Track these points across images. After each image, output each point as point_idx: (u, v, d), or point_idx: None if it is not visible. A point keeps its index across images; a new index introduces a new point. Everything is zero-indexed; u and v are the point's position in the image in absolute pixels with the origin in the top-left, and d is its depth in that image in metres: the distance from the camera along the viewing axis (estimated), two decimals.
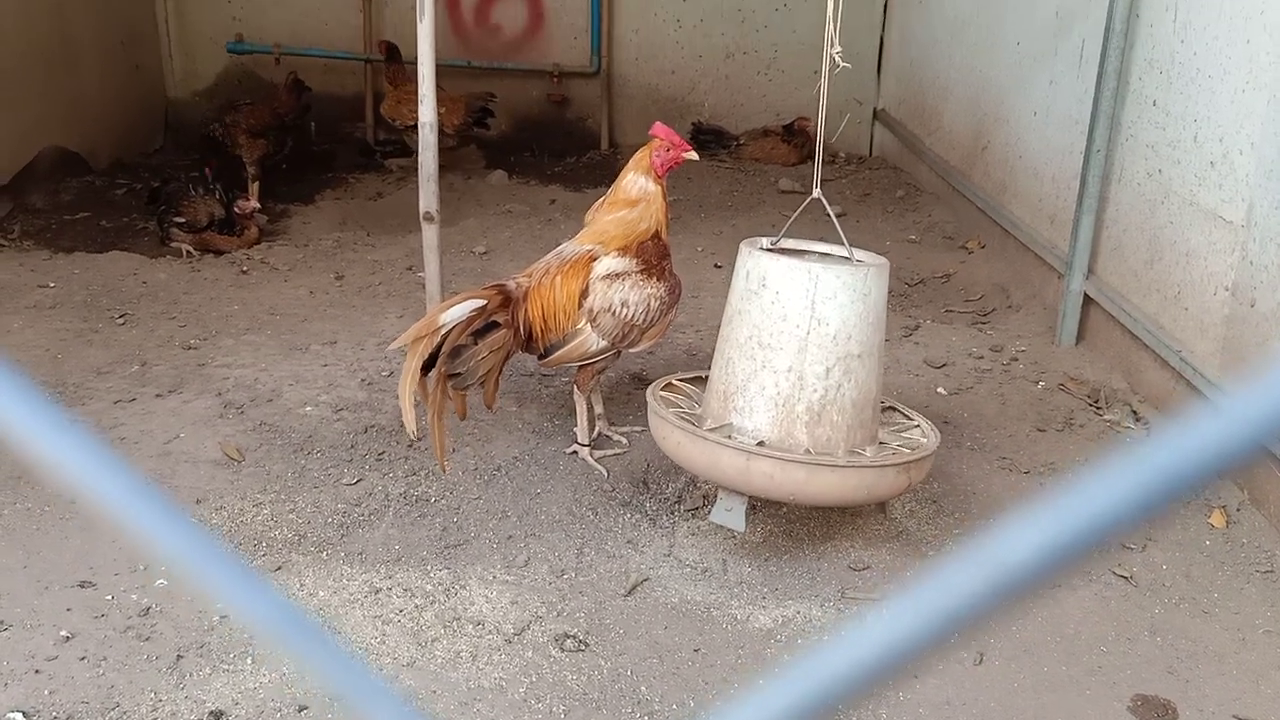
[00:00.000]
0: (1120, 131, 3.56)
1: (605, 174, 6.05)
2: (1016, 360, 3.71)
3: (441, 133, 5.57)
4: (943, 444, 2.99)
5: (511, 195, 5.61)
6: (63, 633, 2.26)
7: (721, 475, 2.55)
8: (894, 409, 2.86)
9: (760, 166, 6.04)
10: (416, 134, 5.65)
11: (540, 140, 6.50)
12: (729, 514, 2.58)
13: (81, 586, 2.41)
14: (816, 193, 2.72)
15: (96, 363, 3.52)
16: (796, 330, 2.52)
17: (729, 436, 2.56)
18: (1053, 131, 4.13)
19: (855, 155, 6.39)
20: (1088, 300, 3.72)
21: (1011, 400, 3.44)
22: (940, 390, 3.48)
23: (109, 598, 2.38)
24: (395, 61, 5.78)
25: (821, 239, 2.79)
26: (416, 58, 5.98)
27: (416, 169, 5.77)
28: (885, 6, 6.23)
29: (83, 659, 2.19)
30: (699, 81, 6.48)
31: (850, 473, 2.50)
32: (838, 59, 2.77)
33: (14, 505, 2.71)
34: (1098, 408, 3.38)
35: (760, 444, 2.53)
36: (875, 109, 6.38)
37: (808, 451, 2.52)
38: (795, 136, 6.10)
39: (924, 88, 5.63)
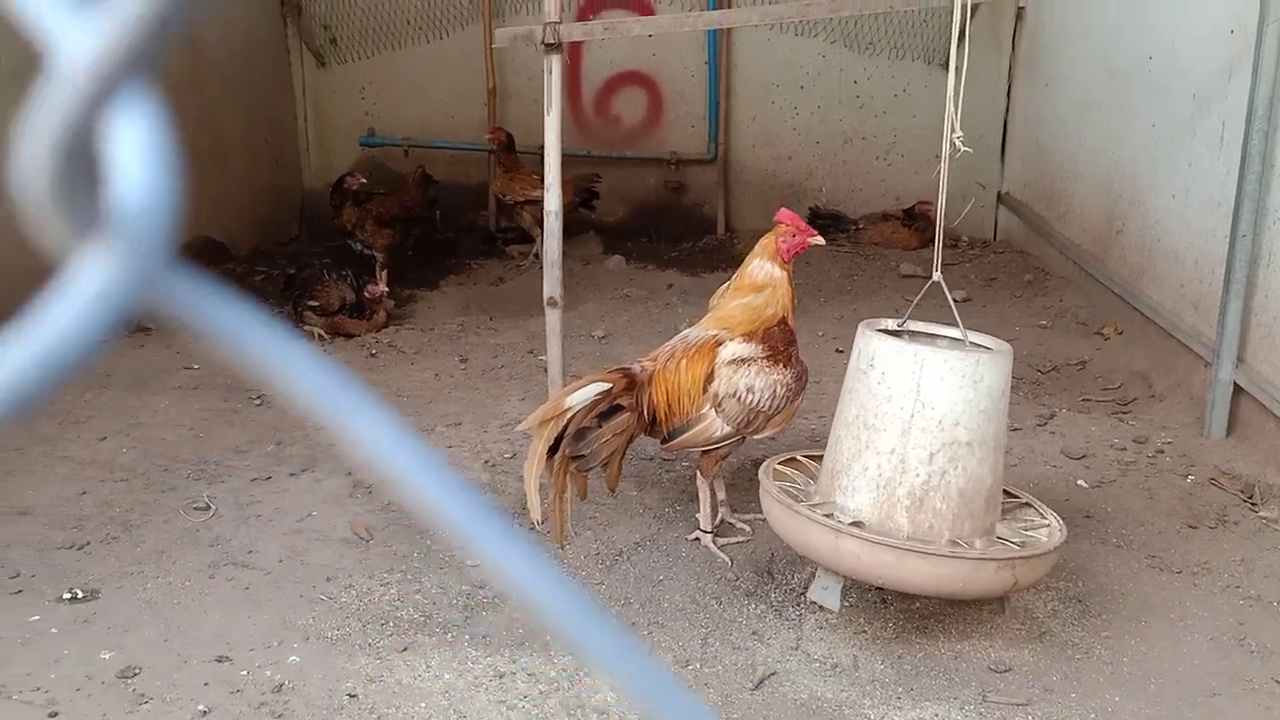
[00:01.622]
0: (1266, 215, 3.41)
1: (722, 259, 6.09)
2: (1162, 452, 3.53)
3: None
4: (1085, 540, 2.86)
5: (629, 280, 5.68)
6: (200, 707, 2.30)
7: (814, 551, 2.54)
8: (1029, 505, 2.74)
9: (880, 251, 5.99)
10: (525, 208, 5.91)
11: (657, 226, 6.59)
12: (824, 592, 2.57)
13: (219, 661, 2.46)
14: (937, 276, 2.67)
15: (235, 441, 3.65)
16: (900, 412, 2.48)
17: (830, 515, 2.53)
18: (1193, 214, 3.98)
19: (979, 239, 6.28)
20: (1238, 390, 3.53)
21: (1159, 495, 3.26)
22: (1081, 483, 3.33)
23: (244, 673, 2.42)
24: (510, 150, 5.98)
25: (948, 324, 2.73)
26: (535, 147, 6.20)
27: (536, 255, 5.97)
28: (1009, 90, 6.18)
29: None
30: (816, 167, 6.50)
31: (941, 562, 2.41)
32: (959, 143, 2.75)
33: (157, 579, 2.80)
34: (1253, 504, 3.17)
35: (857, 524, 2.49)
36: (999, 192, 6.29)
37: (907, 537, 2.46)
38: (916, 220, 6.04)
39: (1051, 170, 5.52)
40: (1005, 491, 2.77)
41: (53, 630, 2.59)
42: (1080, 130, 5.14)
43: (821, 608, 2.65)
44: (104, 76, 0.33)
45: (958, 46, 2.56)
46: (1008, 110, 6.20)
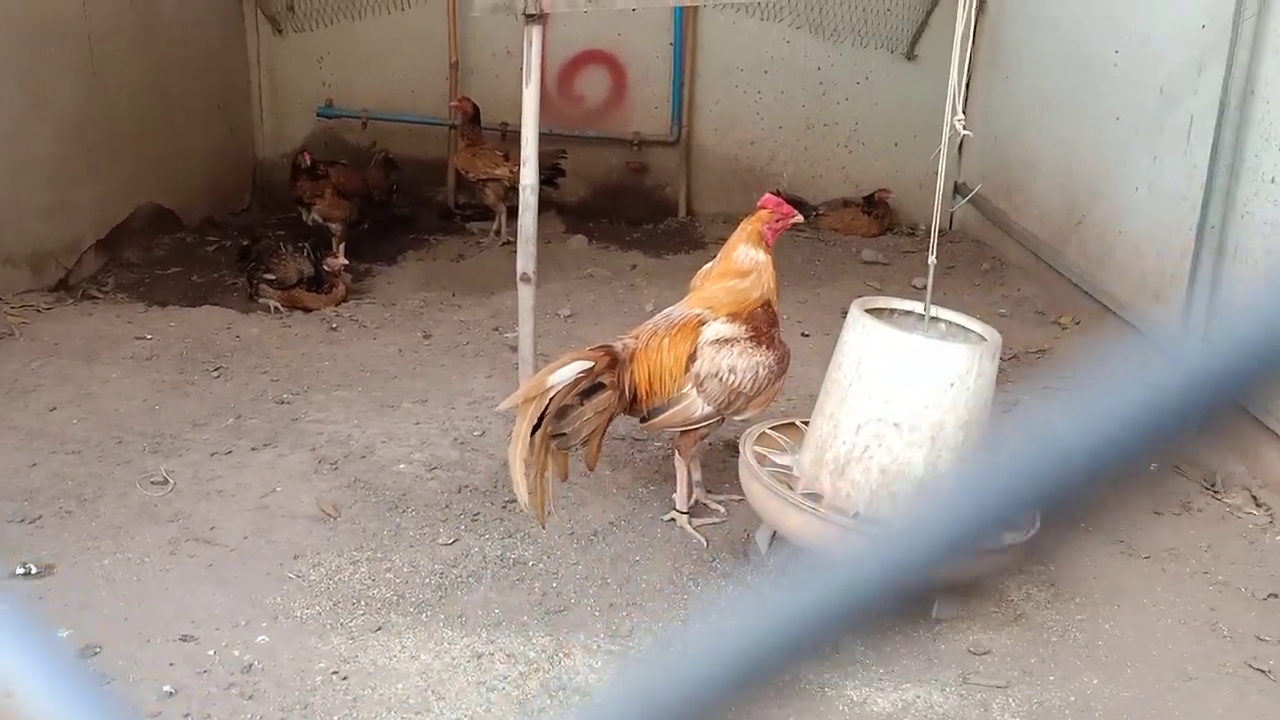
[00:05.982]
0: (1235, 209, 3.47)
1: (684, 241, 6.06)
2: None
3: (510, 189, 5.67)
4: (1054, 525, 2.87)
5: (592, 260, 5.62)
6: (166, 688, 2.21)
7: (745, 487, 2.77)
8: None
9: (840, 237, 6.00)
10: (488, 185, 5.83)
11: (618, 207, 6.53)
12: (760, 535, 2.84)
13: (183, 640, 2.37)
14: (932, 260, 2.70)
15: (193, 414, 3.53)
16: (843, 380, 2.61)
17: (785, 471, 2.73)
18: (1157, 207, 4.04)
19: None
20: None
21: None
22: None
23: (211, 653, 2.34)
24: (475, 123, 5.88)
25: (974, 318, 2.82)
26: (496, 124, 6.11)
27: (497, 232, 5.88)
28: (967, 83, 6.22)
29: (186, 716, 2.14)
30: (779, 152, 6.49)
31: (810, 520, 2.53)
32: (959, 126, 2.75)
33: (114, 555, 2.70)
34: (1215, 492, 3.24)
35: (787, 472, 2.69)
36: (956, 183, 6.34)
37: (825, 500, 2.59)
38: (875, 208, 6.06)
39: (1009, 162, 5.58)
40: None
41: (4, 607, 2.47)
42: (1040, 124, 5.19)
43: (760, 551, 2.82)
44: None
45: (965, 25, 2.60)
46: (967, 102, 6.24)
